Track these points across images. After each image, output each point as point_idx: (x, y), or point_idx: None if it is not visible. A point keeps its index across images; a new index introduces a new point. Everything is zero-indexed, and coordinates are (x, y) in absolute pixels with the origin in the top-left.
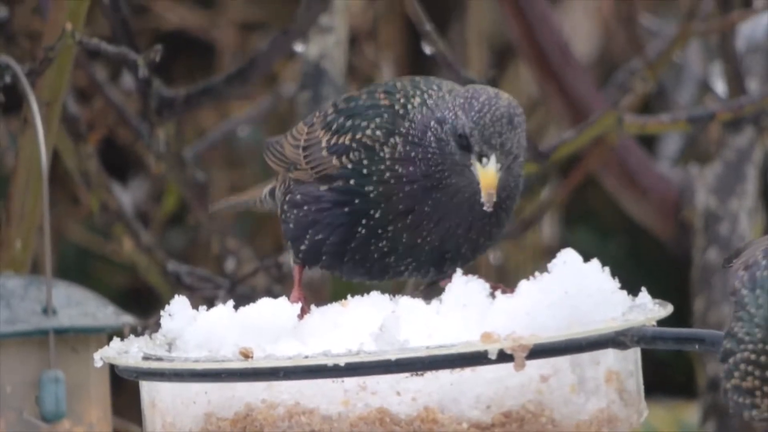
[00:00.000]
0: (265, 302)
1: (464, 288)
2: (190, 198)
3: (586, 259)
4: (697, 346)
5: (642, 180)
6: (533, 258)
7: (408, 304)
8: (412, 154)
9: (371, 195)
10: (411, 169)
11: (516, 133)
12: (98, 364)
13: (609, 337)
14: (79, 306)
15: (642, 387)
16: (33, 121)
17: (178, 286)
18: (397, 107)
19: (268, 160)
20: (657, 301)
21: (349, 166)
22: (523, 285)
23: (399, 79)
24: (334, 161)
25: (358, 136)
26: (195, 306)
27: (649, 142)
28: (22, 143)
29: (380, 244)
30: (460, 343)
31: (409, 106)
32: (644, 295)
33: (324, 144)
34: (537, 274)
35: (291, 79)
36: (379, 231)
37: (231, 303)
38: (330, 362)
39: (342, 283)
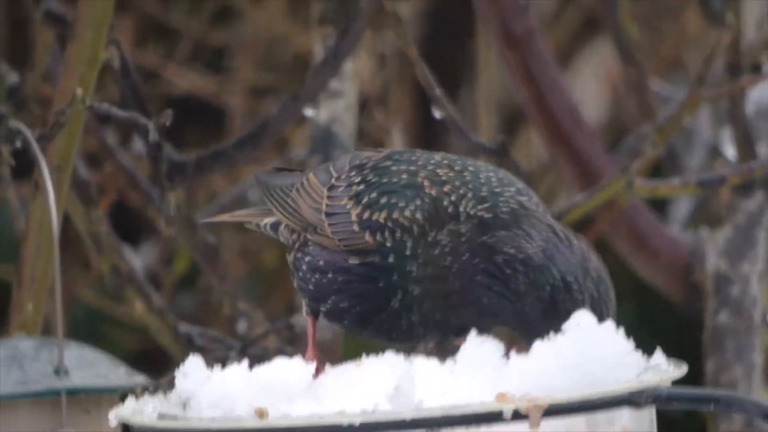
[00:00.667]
0: (279, 362)
1: (478, 348)
2: (201, 261)
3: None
4: (712, 406)
5: (652, 243)
6: None
7: (423, 364)
8: (457, 267)
9: (412, 274)
10: (450, 278)
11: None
12: (113, 423)
13: (624, 397)
14: (90, 367)
15: None
16: (44, 186)
17: (190, 347)
18: (445, 203)
19: (272, 206)
20: (672, 361)
21: (389, 244)
22: (538, 346)
23: (440, 162)
24: (368, 237)
25: (395, 216)
26: (208, 366)
27: (659, 206)
28: (33, 208)
29: (412, 318)
30: (475, 402)
31: (461, 207)
32: (659, 355)
33: (354, 218)
34: (551, 335)
35: (301, 143)
36: (414, 306)
37: (246, 362)
38: (345, 421)
39: (354, 343)
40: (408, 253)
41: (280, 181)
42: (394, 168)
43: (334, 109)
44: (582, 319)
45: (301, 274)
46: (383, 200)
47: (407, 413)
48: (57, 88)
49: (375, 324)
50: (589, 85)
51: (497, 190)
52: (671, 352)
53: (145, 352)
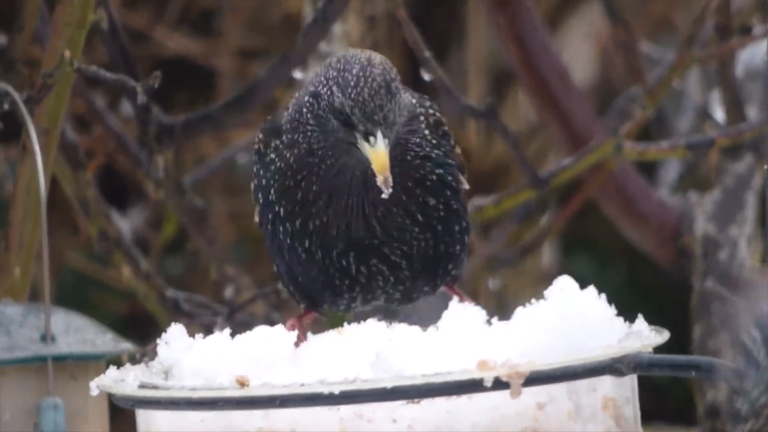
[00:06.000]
0: (261, 330)
1: (461, 315)
2: (189, 225)
3: (585, 285)
4: (693, 373)
5: (641, 207)
6: (532, 285)
7: (404, 332)
8: (294, 136)
9: (271, 197)
10: (295, 152)
11: (396, 101)
12: (95, 392)
13: (605, 364)
14: (77, 333)
15: (639, 414)
16: (32, 149)
17: (177, 312)
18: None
19: None
20: (653, 327)
21: (254, 182)
22: (520, 312)
23: None
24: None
25: (255, 147)
26: (193, 333)
27: (648, 169)
28: (21, 171)
29: (304, 242)
30: (456, 370)
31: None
32: (641, 321)
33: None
34: (533, 301)
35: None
36: (288, 226)
37: (228, 331)
38: (326, 390)
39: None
40: (263, 183)
41: None
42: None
43: None
44: (565, 285)
45: None
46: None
47: (388, 381)
48: (45, 50)
49: (301, 278)
50: (578, 47)
51: None
52: (660, 318)
53: (133, 317)
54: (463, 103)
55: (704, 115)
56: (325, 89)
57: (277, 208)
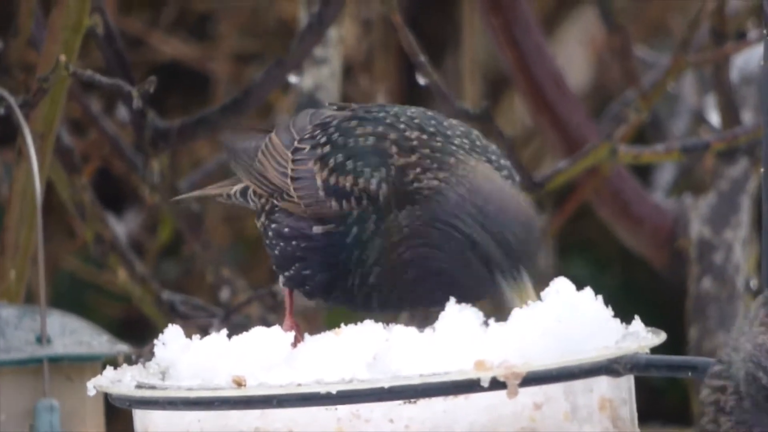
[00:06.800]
0: (258, 331)
1: (458, 316)
2: (185, 229)
3: (580, 288)
4: (689, 374)
5: (636, 210)
6: None
7: (401, 333)
8: (418, 248)
9: (373, 249)
10: (406, 258)
11: (540, 241)
12: (91, 392)
13: (602, 365)
14: (73, 335)
15: (636, 414)
16: (27, 153)
17: (173, 315)
18: (410, 176)
19: (238, 171)
20: (650, 329)
21: (354, 212)
22: (516, 314)
23: (411, 121)
24: (333, 204)
25: (360, 183)
26: (189, 335)
27: (643, 173)
28: (17, 175)
29: (371, 293)
30: (453, 370)
31: (424, 182)
32: (637, 323)
33: (320, 183)
34: (530, 303)
35: (285, 110)
36: (371, 281)
37: (224, 332)
38: (323, 390)
39: (336, 311)
40: (371, 226)
41: (246, 144)
42: (359, 130)
43: (319, 75)
44: (561, 287)
45: (267, 241)
46: (349, 165)
47: (385, 381)
48: (41, 54)
49: (336, 294)
50: (574, 51)
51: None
52: (655, 320)
53: (129, 320)
54: (458, 107)
55: (699, 118)
56: (468, 222)
57: (369, 249)
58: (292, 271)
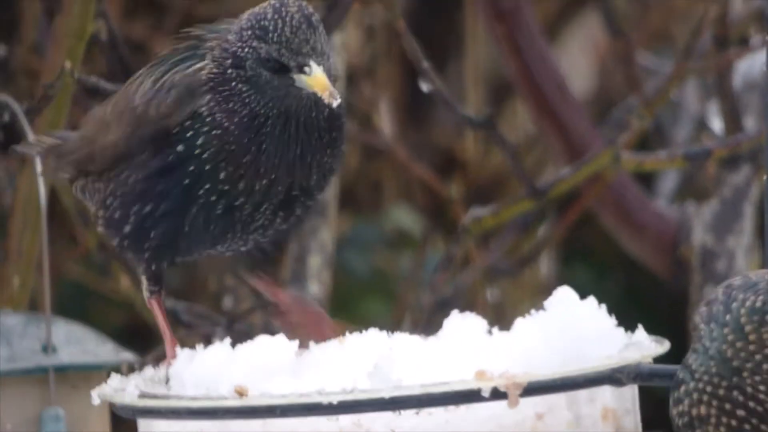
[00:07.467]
0: (262, 340)
1: (461, 325)
2: None
3: (583, 296)
4: None
5: (639, 217)
6: (530, 295)
7: (404, 341)
8: (230, 105)
9: (204, 156)
10: (236, 120)
11: (320, 32)
12: (96, 402)
13: (605, 374)
14: (78, 343)
15: (640, 425)
16: (31, 160)
17: (176, 323)
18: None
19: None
20: (654, 337)
21: (174, 130)
22: (519, 322)
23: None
24: (171, 98)
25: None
26: (192, 343)
27: (646, 180)
28: (21, 181)
29: (231, 200)
30: (454, 380)
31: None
32: (641, 332)
33: (150, 85)
34: (533, 311)
35: None
36: (226, 187)
37: (228, 341)
38: (325, 400)
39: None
40: (192, 134)
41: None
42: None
43: None
44: (564, 296)
45: (101, 212)
46: (173, 69)
47: (386, 391)
48: (45, 61)
49: (190, 222)
50: (577, 58)
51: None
52: (658, 327)
53: (133, 327)
54: (461, 114)
55: (702, 125)
56: (245, 50)
57: (207, 159)
58: (132, 220)
